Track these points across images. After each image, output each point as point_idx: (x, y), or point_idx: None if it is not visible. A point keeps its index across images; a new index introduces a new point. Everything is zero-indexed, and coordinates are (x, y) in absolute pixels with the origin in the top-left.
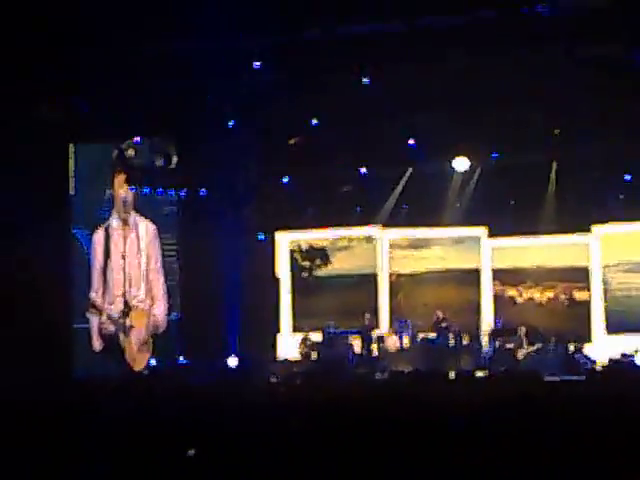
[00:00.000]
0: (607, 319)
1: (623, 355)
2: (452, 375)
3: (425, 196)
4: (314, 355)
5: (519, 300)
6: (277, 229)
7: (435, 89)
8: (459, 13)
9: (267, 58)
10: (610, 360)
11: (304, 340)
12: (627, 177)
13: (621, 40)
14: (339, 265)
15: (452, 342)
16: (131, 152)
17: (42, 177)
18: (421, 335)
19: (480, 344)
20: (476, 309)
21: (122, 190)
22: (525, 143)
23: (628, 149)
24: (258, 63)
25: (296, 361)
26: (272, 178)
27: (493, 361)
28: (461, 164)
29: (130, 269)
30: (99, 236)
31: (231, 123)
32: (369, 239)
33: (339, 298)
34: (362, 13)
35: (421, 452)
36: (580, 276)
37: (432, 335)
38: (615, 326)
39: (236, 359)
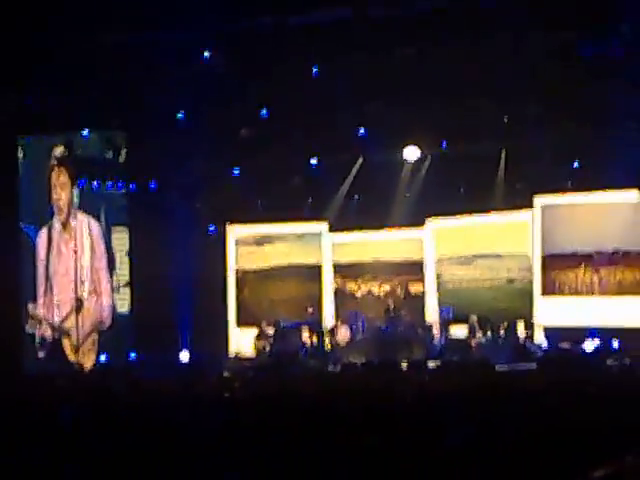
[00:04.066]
0: (440, 310)
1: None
2: (404, 366)
3: (376, 186)
4: (267, 348)
5: (358, 294)
6: (227, 221)
7: (385, 78)
8: (408, 1)
9: (216, 48)
10: (559, 348)
11: (260, 334)
12: (575, 164)
13: (570, 28)
14: None
15: (403, 333)
16: (71, 148)
17: None
18: (372, 326)
19: (432, 334)
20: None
21: (59, 187)
22: (475, 131)
23: (577, 136)
24: (207, 53)
25: (248, 357)
26: (222, 170)
27: (445, 351)
28: (411, 153)
29: (73, 273)
30: (42, 238)
31: (180, 114)
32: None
33: None
34: (311, 2)
35: (373, 443)
36: (415, 269)
37: (383, 326)
38: (447, 317)
39: (188, 354)
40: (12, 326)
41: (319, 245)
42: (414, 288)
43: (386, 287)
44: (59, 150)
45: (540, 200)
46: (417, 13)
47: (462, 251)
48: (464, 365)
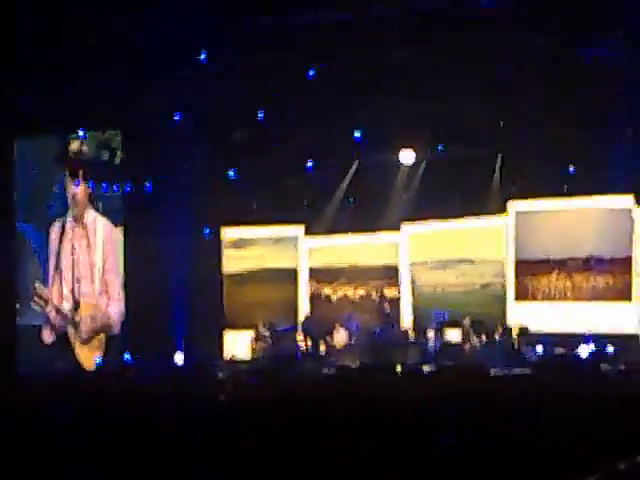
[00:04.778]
0: (414, 315)
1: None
2: (399, 369)
3: (371, 189)
4: (263, 351)
5: (333, 298)
6: (223, 224)
7: (381, 81)
8: (403, 3)
9: (213, 48)
10: (554, 353)
11: (257, 336)
12: (571, 169)
13: (569, 31)
14: None
15: (398, 336)
16: (82, 146)
17: None
18: (365, 330)
19: (427, 338)
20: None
21: (73, 185)
22: (471, 135)
23: (573, 141)
24: (203, 54)
25: (243, 359)
26: (218, 172)
27: (439, 355)
28: (407, 157)
29: (83, 267)
30: (55, 230)
31: (177, 116)
32: None
33: None
34: (306, 3)
35: (368, 447)
36: (391, 274)
37: (377, 329)
38: (422, 321)
39: (182, 356)
40: (7, 326)
41: (295, 249)
42: (390, 292)
43: (361, 291)
44: (75, 145)
45: (514, 205)
46: (414, 15)
47: (437, 256)
48: (459, 369)
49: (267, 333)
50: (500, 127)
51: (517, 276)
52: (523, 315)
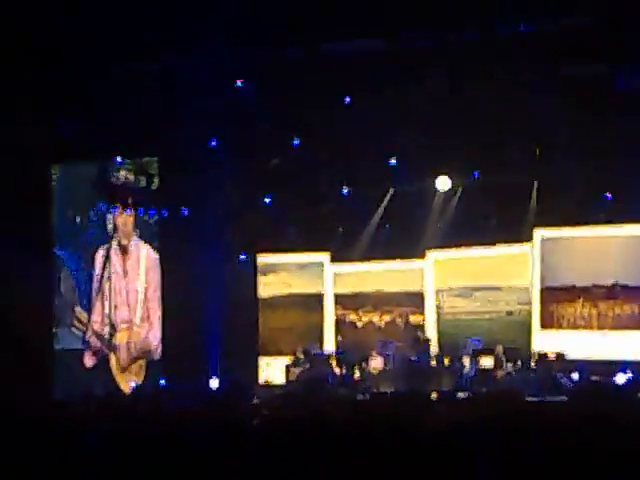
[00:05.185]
0: (439, 341)
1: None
2: (434, 396)
3: (407, 215)
4: (297, 376)
5: (359, 324)
6: (259, 250)
7: (417, 109)
8: (442, 33)
9: (249, 77)
10: (590, 380)
11: (295, 361)
12: (608, 196)
13: (603, 60)
14: None
15: (433, 363)
16: (128, 175)
17: (24, 199)
18: (402, 356)
19: (462, 365)
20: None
21: (119, 212)
22: (506, 162)
23: (610, 169)
24: (240, 82)
25: (278, 384)
26: (254, 198)
27: (474, 382)
28: (443, 184)
29: (125, 294)
30: (99, 256)
31: (213, 142)
32: None
33: None
34: (344, 32)
35: (403, 473)
36: (416, 300)
37: (413, 356)
38: (447, 348)
39: (218, 381)
40: (45, 350)
41: (321, 275)
42: (415, 319)
43: (386, 318)
44: (121, 173)
45: (540, 232)
46: (449, 44)
47: (462, 283)
48: (494, 396)
49: (303, 357)
50: (536, 155)
51: (542, 303)
52: (549, 343)
